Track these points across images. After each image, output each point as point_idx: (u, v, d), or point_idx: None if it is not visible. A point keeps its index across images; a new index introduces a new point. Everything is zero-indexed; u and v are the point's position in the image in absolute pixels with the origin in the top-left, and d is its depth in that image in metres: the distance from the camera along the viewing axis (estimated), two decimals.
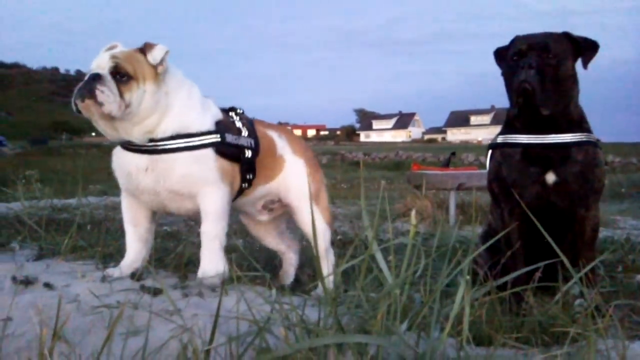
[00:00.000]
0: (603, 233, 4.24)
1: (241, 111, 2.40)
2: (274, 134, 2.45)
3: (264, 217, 2.56)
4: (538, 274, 1.85)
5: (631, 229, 5.24)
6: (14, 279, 1.95)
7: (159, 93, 2.12)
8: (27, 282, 1.95)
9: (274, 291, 1.73)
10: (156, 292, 1.85)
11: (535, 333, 1.61)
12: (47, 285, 1.92)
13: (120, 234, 3.38)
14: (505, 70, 2.39)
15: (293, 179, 2.41)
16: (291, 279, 2.57)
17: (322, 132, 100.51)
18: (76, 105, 2.03)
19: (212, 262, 2.13)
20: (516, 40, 2.37)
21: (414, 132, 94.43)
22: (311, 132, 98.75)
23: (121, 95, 2.03)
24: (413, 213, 1.53)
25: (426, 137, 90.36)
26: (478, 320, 1.57)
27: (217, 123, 2.23)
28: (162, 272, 2.25)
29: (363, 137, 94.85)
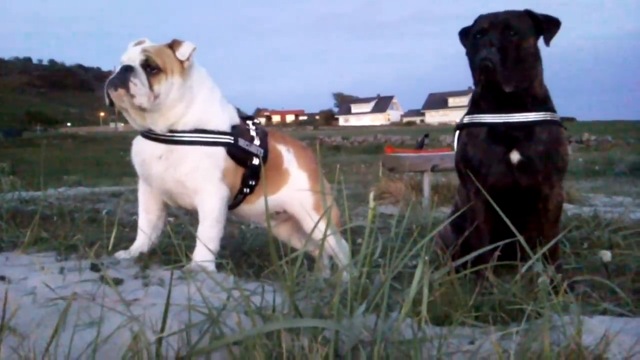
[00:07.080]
0: (572, 210, 4.29)
1: (258, 122, 2.53)
2: (282, 148, 2.57)
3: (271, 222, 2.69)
4: (497, 253, 1.86)
5: (601, 205, 5.31)
6: None
7: (185, 86, 2.26)
8: None
9: (231, 278, 1.71)
10: (115, 282, 1.82)
11: (495, 311, 1.62)
12: (2, 279, 1.87)
13: (86, 224, 3.32)
14: (469, 49, 2.38)
15: (295, 191, 2.53)
16: (328, 271, 2.59)
17: (300, 118, 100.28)
18: (108, 95, 2.14)
19: (203, 250, 2.18)
20: (479, 19, 2.36)
21: (393, 115, 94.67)
22: (290, 118, 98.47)
23: (151, 86, 2.16)
24: (371, 196, 1.51)
25: (405, 120, 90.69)
26: (437, 300, 1.57)
27: (233, 127, 2.36)
28: (124, 262, 2.21)
29: (342, 121, 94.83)
